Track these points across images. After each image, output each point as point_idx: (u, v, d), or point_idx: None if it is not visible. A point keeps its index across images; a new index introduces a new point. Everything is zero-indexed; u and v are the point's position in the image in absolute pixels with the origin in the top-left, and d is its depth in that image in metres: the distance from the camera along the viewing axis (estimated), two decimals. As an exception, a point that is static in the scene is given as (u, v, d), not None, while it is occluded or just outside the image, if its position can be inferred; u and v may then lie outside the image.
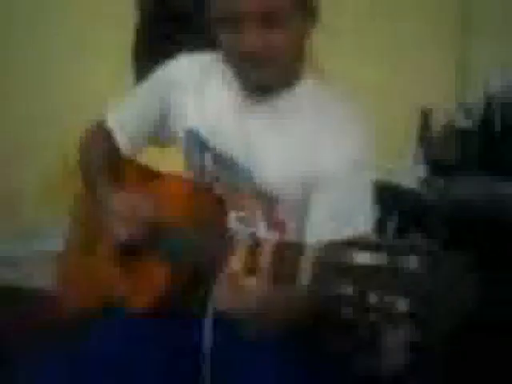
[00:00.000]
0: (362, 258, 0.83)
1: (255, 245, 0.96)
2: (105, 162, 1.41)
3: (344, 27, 2.49)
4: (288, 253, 0.93)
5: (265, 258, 0.94)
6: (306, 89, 1.24)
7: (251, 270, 0.95)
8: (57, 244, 1.51)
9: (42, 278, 1.54)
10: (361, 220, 1.15)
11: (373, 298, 0.80)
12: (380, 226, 1.59)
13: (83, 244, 1.44)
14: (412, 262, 0.80)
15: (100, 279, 1.33)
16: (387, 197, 1.62)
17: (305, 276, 0.88)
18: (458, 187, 2.26)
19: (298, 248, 0.91)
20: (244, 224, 1.27)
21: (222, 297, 0.99)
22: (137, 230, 1.20)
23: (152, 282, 1.22)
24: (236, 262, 0.97)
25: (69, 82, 2.76)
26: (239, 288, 0.96)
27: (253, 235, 1.07)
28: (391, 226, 1.59)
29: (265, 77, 1.16)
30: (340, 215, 1.14)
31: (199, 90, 1.32)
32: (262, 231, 1.25)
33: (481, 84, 2.61)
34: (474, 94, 2.63)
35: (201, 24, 2.44)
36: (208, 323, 1.22)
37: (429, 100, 2.60)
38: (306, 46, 1.24)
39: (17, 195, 2.83)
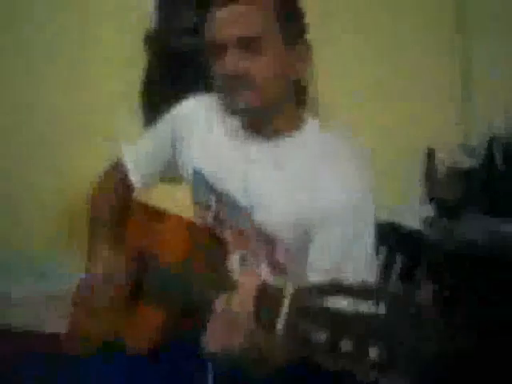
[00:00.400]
0: (333, 303, 0.84)
1: (234, 288, 0.99)
2: (117, 201, 1.45)
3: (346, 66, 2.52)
4: (270, 295, 0.94)
5: (245, 301, 0.97)
6: (307, 132, 1.26)
7: (238, 311, 0.97)
8: (63, 286, 1.52)
9: (49, 320, 1.54)
10: (360, 265, 1.16)
11: (345, 345, 0.81)
12: (384, 266, 1.58)
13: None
14: (381, 309, 0.81)
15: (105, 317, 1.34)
16: (391, 237, 1.62)
17: (280, 320, 0.90)
18: (462, 227, 2.26)
19: (279, 291, 0.92)
20: (246, 265, 1.28)
21: (210, 338, 1.01)
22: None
23: (149, 322, 1.23)
24: (221, 303, 1.00)
25: (80, 122, 2.80)
26: (226, 329, 0.98)
27: (233, 279, 1.09)
28: (395, 266, 1.59)
29: (248, 100, 1.18)
30: (339, 258, 1.16)
31: (206, 131, 1.36)
32: (264, 272, 1.26)
33: (484, 124, 2.63)
34: (477, 133, 2.66)
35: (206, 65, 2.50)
36: (209, 364, 1.23)
37: (433, 140, 2.62)
38: (306, 90, 1.28)
39: (26, 236, 2.84)
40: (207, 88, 1.31)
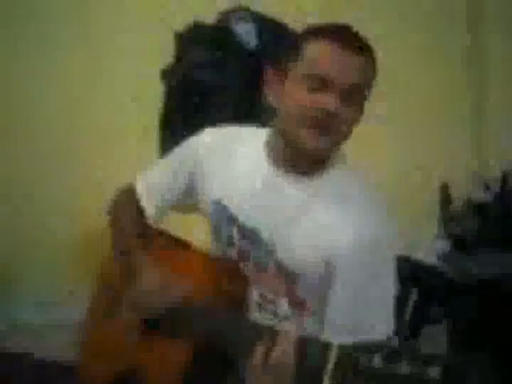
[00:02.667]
0: (383, 364, 0.85)
1: (274, 338, 0.99)
2: (136, 228, 1.41)
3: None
4: (312, 349, 0.95)
5: (287, 353, 0.97)
6: (332, 172, 1.26)
7: (273, 364, 0.97)
8: (75, 314, 1.52)
9: (61, 348, 1.54)
10: (381, 325, 1.16)
11: None
12: (400, 302, 1.58)
13: (105, 311, 1.44)
14: (433, 372, 0.82)
15: (120, 350, 1.33)
16: (407, 272, 1.62)
17: (327, 375, 0.90)
18: (477, 262, 2.24)
19: (322, 346, 0.93)
20: (266, 300, 1.28)
21: None
22: (161, 309, 1.23)
23: (173, 360, 1.22)
24: (257, 358, 0.99)
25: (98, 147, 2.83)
26: (269, 378, 0.98)
27: (273, 329, 1.09)
28: (410, 302, 1.58)
29: (321, 144, 1.17)
30: (360, 313, 1.16)
31: (227, 163, 1.34)
32: (284, 308, 1.26)
33: (498, 159, 2.64)
34: (491, 169, 2.66)
35: (226, 98, 2.53)
36: None
37: (448, 175, 2.62)
38: None
39: (35, 264, 2.85)
40: (228, 121, 1.32)
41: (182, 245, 1.39)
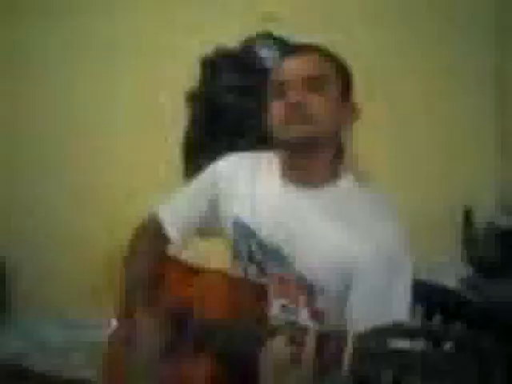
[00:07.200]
0: (399, 344, 0.88)
1: (297, 334, 1.01)
2: (151, 269, 1.42)
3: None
4: (331, 341, 0.97)
5: (309, 347, 0.99)
6: (346, 185, 1.32)
7: (295, 359, 1.00)
8: (102, 335, 1.53)
9: (88, 369, 1.55)
10: (397, 312, 1.20)
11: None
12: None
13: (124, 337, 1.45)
14: (447, 347, 0.84)
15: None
16: (428, 297, 1.61)
17: (345, 363, 0.93)
18: (500, 287, 2.22)
19: (339, 336, 0.96)
20: (287, 312, 1.31)
21: None
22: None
23: (196, 377, 1.24)
24: (276, 349, 1.02)
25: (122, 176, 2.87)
26: (284, 379, 1.00)
27: (294, 324, 1.11)
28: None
29: (302, 133, 1.25)
30: (377, 307, 1.20)
31: (247, 185, 1.41)
32: (304, 319, 1.29)
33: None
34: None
35: (248, 126, 2.57)
36: None
37: (471, 199, 2.61)
38: (346, 144, 1.35)
39: (62, 286, 2.88)
40: (249, 147, 1.37)
41: (200, 269, 1.41)
